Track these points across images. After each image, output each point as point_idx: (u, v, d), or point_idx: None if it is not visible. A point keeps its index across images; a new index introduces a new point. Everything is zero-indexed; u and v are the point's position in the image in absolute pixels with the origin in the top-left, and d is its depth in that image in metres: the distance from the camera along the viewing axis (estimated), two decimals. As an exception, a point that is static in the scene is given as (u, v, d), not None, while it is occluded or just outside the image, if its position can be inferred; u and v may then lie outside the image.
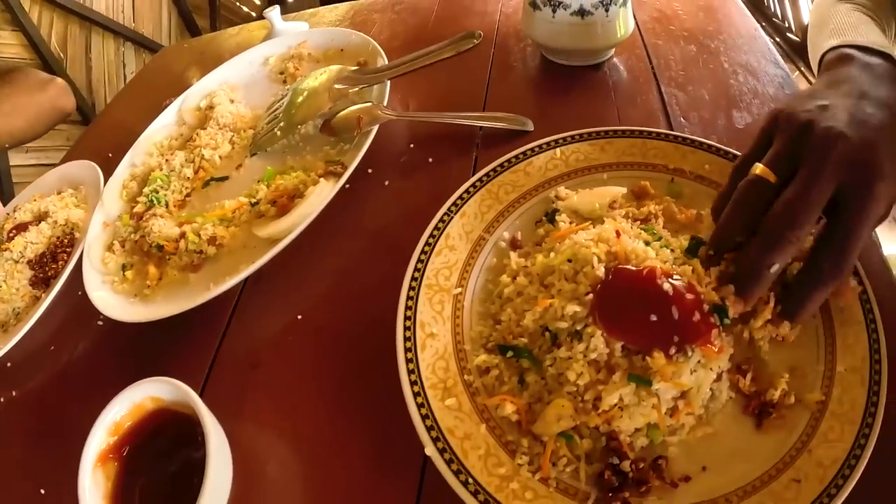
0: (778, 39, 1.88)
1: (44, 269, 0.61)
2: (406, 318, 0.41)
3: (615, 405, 0.33)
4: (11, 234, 0.64)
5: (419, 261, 0.45)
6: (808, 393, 0.35)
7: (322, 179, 0.54)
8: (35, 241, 0.63)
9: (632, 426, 0.33)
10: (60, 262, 0.61)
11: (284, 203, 0.54)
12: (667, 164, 0.48)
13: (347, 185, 0.54)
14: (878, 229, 0.37)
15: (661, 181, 0.48)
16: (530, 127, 0.59)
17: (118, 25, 2.84)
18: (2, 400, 0.52)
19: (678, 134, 0.50)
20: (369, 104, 0.62)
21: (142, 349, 0.50)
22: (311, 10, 1.13)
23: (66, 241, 0.63)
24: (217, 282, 0.49)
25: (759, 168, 0.36)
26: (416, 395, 0.37)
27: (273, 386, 0.45)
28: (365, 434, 0.40)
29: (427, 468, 0.37)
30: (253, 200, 0.55)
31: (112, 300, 0.53)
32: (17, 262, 0.62)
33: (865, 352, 0.35)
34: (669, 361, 0.33)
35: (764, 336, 0.37)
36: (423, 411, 0.36)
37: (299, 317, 0.49)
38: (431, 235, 0.46)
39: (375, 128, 0.59)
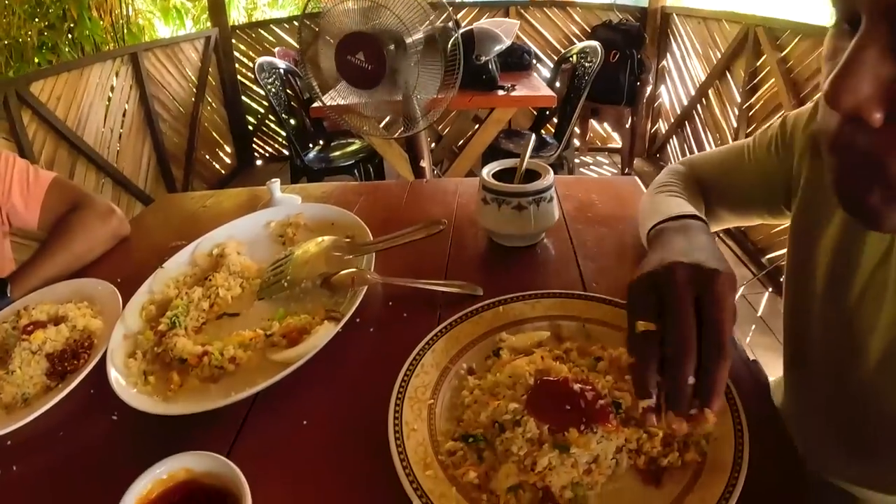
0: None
1: (63, 363, 0.69)
2: (395, 417, 0.56)
3: (546, 466, 0.48)
4: (29, 329, 0.72)
5: (402, 381, 0.60)
6: (688, 455, 0.50)
7: (326, 321, 0.71)
8: (54, 338, 0.71)
9: (559, 482, 0.48)
10: (81, 360, 0.69)
11: (294, 336, 0.69)
12: (579, 315, 0.69)
13: (342, 330, 0.70)
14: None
15: (575, 327, 0.68)
16: (480, 292, 0.78)
17: (102, 160, 3.13)
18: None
19: (588, 293, 0.72)
20: (359, 269, 0.82)
21: (155, 444, 0.56)
22: (301, 184, 1.37)
23: (85, 343, 0.72)
24: (236, 391, 0.61)
25: (640, 325, 0.47)
26: (404, 468, 0.50)
27: (285, 473, 0.56)
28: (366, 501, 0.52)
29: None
30: (268, 332, 0.70)
31: (134, 397, 0.62)
32: (34, 353, 0.69)
33: (731, 423, 0.52)
34: (581, 435, 0.49)
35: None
36: (410, 478, 0.49)
37: (305, 422, 0.61)
38: (411, 364, 0.63)
39: (364, 288, 0.77)
